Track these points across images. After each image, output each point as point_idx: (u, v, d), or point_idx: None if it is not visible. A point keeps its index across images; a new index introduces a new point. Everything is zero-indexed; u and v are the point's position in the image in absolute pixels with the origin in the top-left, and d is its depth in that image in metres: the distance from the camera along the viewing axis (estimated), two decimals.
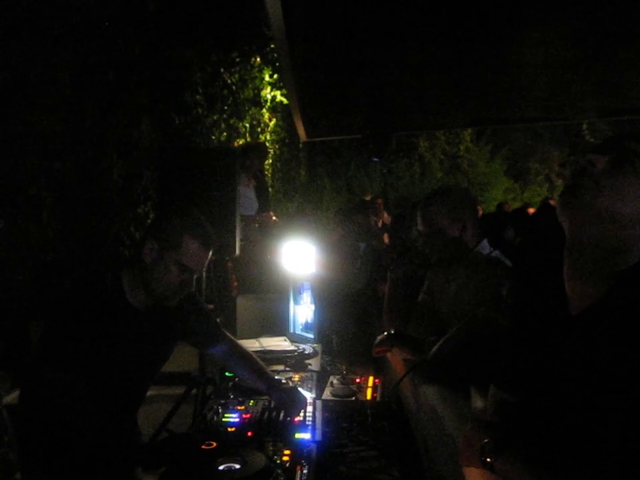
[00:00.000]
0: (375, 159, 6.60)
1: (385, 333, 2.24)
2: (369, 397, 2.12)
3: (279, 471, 1.46)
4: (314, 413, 1.88)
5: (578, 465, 0.99)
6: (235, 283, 4.71)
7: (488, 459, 1.12)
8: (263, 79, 6.64)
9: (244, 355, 2.15)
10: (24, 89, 3.50)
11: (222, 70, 6.13)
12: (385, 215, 6.60)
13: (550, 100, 5.67)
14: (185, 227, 1.77)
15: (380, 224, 5.73)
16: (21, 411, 1.79)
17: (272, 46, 6.45)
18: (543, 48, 4.32)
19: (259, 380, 2.04)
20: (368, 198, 6.74)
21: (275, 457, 1.54)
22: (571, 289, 1.08)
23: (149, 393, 2.65)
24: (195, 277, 1.84)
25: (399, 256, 2.58)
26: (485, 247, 2.17)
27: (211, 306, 4.04)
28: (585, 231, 1.04)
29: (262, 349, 2.66)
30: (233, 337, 2.22)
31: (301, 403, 1.89)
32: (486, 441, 1.14)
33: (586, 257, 1.05)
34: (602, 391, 0.95)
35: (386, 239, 4.61)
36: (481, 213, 6.60)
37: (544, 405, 1.12)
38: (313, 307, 2.98)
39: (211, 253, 1.84)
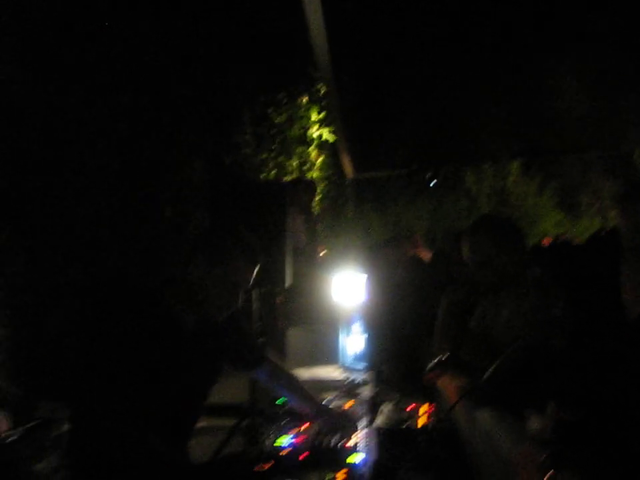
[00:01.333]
0: (431, 183, 6.58)
1: (437, 359, 2.22)
2: (421, 424, 2.10)
3: None
4: (367, 438, 1.88)
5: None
6: (286, 323, 4.74)
7: (549, 473, 1.11)
8: (310, 117, 6.79)
9: (290, 379, 2.16)
10: (87, 130, 3.70)
11: (269, 110, 6.30)
12: (425, 251, 6.51)
13: (599, 127, 5.60)
14: (232, 243, 1.79)
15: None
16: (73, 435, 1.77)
17: (319, 86, 6.61)
18: (590, 76, 4.30)
19: (306, 404, 2.06)
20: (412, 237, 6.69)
21: (330, 477, 1.54)
22: (629, 296, 1.08)
23: (199, 425, 2.68)
24: (242, 292, 1.84)
25: (451, 283, 2.57)
26: (535, 272, 2.15)
27: (262, 339, 4.09)
28: None
29: (313, 377, 2.67)
30: (276, 363, 2.22)
31: (351, 427, 1.91)
32: (545, 456, 1.13)
33: None
34: None
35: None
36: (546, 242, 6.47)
37: (606, 421, 1.11)
38: (363, 337, 2.99)
39: (256, 269, 1.85)
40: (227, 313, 1.85)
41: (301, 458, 1.73)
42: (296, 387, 2.13)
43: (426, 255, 4.64)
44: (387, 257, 4.06)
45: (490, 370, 1.90)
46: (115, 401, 1.62)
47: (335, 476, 1.57)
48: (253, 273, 1.84)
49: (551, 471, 1.11)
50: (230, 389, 2.48)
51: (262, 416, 2.36)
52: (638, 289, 1.07)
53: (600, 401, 1.13)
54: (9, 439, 2.48)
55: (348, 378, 2.68)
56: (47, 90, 3.45)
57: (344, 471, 1.60)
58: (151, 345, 1.71)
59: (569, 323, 1.69)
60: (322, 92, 6.58)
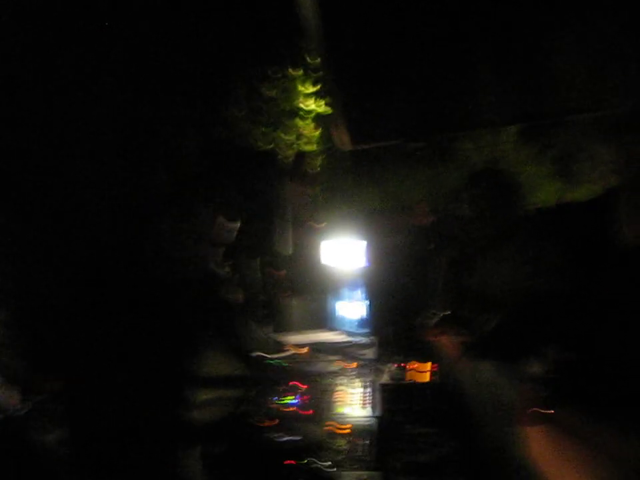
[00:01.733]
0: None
1: (438, 317, 2.24)
2: (426, 380, 2.13)
3: (340, 441, 1.49)
4: (372, 393, 1.91)
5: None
6: (288, 293, 4.76)
7: (548, 411, 1.13)
8: (305, 90, 6.75)
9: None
10: (77, 101, 3.66)
11: (264, 83, 6.25)
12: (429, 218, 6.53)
13: (594, 87, 5.55)
14: (202, 195, 1.79)
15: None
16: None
17: (313, 58, 6.54)
18: (586, 35, 4.26)
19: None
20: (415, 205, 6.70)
21: (335, 430, 1.57)
22: (631, 230, 1.09)
23: (206, 397, 2.70)
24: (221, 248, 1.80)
25: (448, 240, 2.59)
26: (535, 224, 2.16)
27: (265, 311, 4.12)
28: None
29: (316, 341, 2.70)
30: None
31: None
32: (544, 393, 1.15)
33: None
34: None
35: None
36: None
37: (604, 356, 1.13)
38: (366, 302, 3.01)
39: (234, 225, 1.82)
40: (198, 267, 1.79)
41: (307, 413, 1.76)
42: None
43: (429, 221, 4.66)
44: (387, 224, 4.07)
45: (490, 324, 1.93)
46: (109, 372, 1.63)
47: (339, 430, 1.59)
48: (233, 229, 1.78)
49: (550, 410, 1.13)
50: (231, 361, 2.49)
51: (264, 383, 2.39)
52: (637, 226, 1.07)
53: (600, 340, 1.15)
54: (20, 413, 2.52)
55: (351, 341, 2.71)
56: (33, 62, 3.43)
57: (348, 425, 1.62)
58: (135, 309, 1.69)
59: (569, 268, 1.70)
60: (316, 63, 6.53)
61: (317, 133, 7.39)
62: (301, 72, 6.71)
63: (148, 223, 1.73)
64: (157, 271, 1.72)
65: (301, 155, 5.62)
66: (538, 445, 1.21)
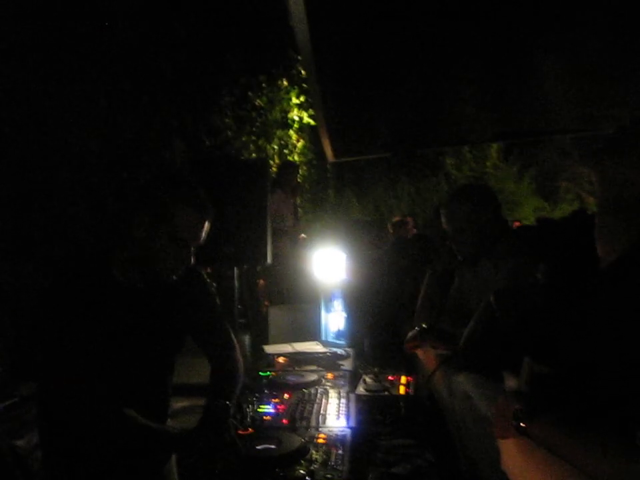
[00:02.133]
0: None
1: (417, 328, 2.26)
2: (402, 391, 2.13)
3: (314, 451, 1.48)
4: (347, 404, 1.90)
5: (612, 426, 1.00)
6: (267, 303, 4.76)
7: (522, 424, 1.13)
8: (290, 100, 6.78)
9: (229, 365, 1.88)
10: (62, 107, 3.65)
11: (250, 93, 6.28)
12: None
13: (576, 110, 5.66)
14: (176, 195, 1.63)
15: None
16: (38, 401, 1.70)
17: (299, 68, 6.60)
18: (568, 56, 4.34)
19: (209, 395, 1.77)
20: (397, 219, 6.77)
21: (310, 440, 1.56)
22: (601, 250, 1.11)
23: (181, 404, 2.67)
24: (193, 249, 1.68)
25: (435, 256, 2.61)
26: (513, 241, 2.18)
27: (243, 320, 4.11)
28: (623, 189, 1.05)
29: (295, 351, 2.70)
30: (236, 347, 1.94)
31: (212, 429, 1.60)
32: (519, 407, 1.15)
33: (619, 216, 1.07)
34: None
35: None
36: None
37: (579, 371, 1.14)
38: (344, 315, 3.01)
39: (207, 224, 1.69)
40: (180, 271, 1.70)
41: (283, 422, 1.75)
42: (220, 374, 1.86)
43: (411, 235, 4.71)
44: (368, 237, 4.10)
45: (465, 335, 1.94)
46: (79, 376, 1.56)
47: (314, 440, 1.58)
48: (204, 228, 1.69)
49: (523, 423, 1.14)
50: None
51: (244, 389, 2.37)
52: (611, 247, 1.10)
53: (573, 353, 1.16)
54: None
55: (328, 352, 2.71)
56: (23, 68, 3.40)
57: (322, 435, 1.62)
58: (103, 315, 1.61)
59: (546, 284, 1.73)
60: (302, 75, 6.57)
61: (301, 143, 7.44)
62: (287, 82, 6.75)
63: (124, 220, 1.67)
64: (131, 273, 1.69)
65: (284, 165, 5.65)
66: (513, 457, 1.22)
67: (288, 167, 5.43)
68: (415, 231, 6.64)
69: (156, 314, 1.75)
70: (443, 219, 2.25)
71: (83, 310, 1.59)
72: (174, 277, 1.69)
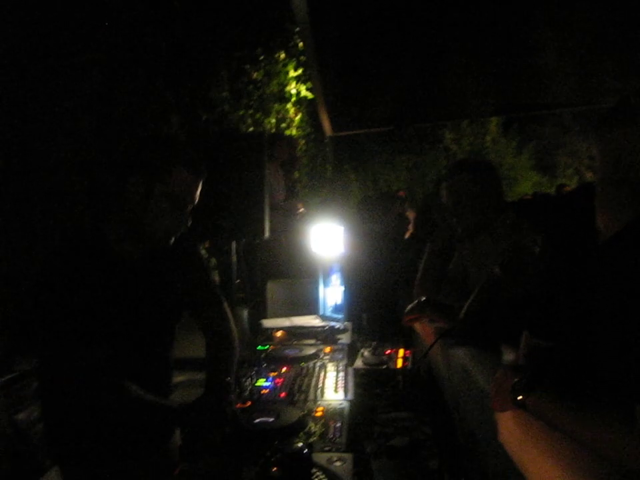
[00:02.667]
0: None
1: (416, 301, 2.25)
2: (399, 365, 2.14)
3: (312, 424, 1.49)
4: (346, 377, 1.90)
5: (611, 398, 0.99)
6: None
7: (519, 397, 1.13)
8: (288, 73, 6.70)
9: (225, 340, 1.87)
10: (57, 83, 3.60)
11: (247, 66, 6.20)
12: (410, 211, 6.59)
13: (576, 83, 5.60)
14: (172, 155, 1.62)
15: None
16: (39, 375, 1.70)
17: (297, 40, 6.50)
18: (568, 28, 4.28)
19: (208, 372, 1.78)
20: (401, 193, 6.73)
21: (308, 413, 1.57)
22: (602, 222, 1.09)
23: (180, 379, 2.67)
24: (189, 210, 1.68)
25: (436, 229, 2.60)
26: (511, 216, 2.17)
27: (241, 294, 4.10)
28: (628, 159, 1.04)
29: (292, 325, 2.70)
30: (231, 319, 1.95)
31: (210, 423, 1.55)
32: (517, 379, 1.15)
33: (623, 188, 1.05)
34: (632, 318, 0.96)
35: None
36: None
37: (578, 344, 1.14)
38: (342, 288, 3.01)
39: (200, 185, 1.69)
40: (176, 235, 1.69)
41: (281, 396, 1.76)
42: (218, 352, 1.84)
43: (410, 214, 4.70)
44: (367, 210, 4.08)
45: (464, 309, 1.94)
46: (80, 349, 1.55)
47: (312, 413, 1.59)
48: (198, 189, 1.68)
49: (521, 396, 1.14)
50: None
51: (243, 362, 2.37)
52: (615, 218, 1.08)
53: (572, 327, 1.16)
54: None
55: (326, 326, 2.71)
56: (15, 43, 3.35)
57: (320, 409, 1.62)
58: (102, 287, 1.60)
59: (544, 258, 1.72)
60: (300, 47, 6.49)
61: (298, 117, 7.37)
62: (284, 55, 6.66)
63: (118, 185, 1.65)
64: (126, 242, 1.67)
65: (272, 138, 5.57)
66: (510, 430, 1.22)
67: (277, 140, 5.35)
68: (409, 203, 6.60)
69: (152, 285, 1.74)
70: (443, 192, 2.23)
71: (81, 283, 1.57)
72: (171, 241, 1.68)
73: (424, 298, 2.21)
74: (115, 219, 1.67)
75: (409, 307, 2.24)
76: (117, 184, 1.68)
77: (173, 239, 1.69)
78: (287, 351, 2.25)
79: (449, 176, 2.23)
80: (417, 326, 2.35)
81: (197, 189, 1.68)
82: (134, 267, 1.70)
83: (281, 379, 1.92)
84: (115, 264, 1.66)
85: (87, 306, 1.57)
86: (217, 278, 4.40)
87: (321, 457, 1.26)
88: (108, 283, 1.63)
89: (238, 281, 3.61)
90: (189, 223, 1.70)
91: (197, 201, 1.70)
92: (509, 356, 1.47)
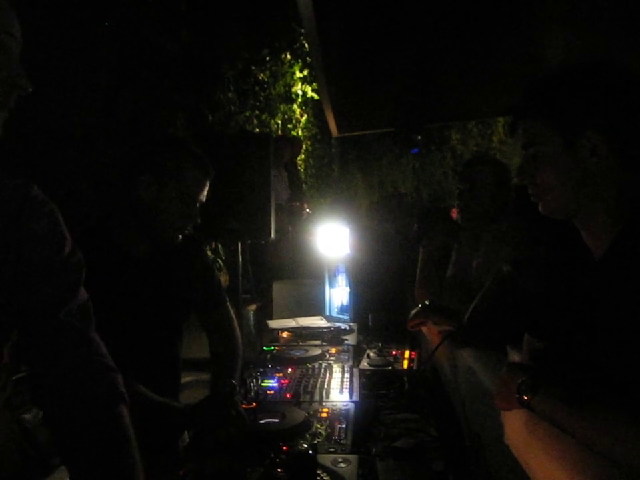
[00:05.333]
0: (413, 151, 6.55)
1: (420, 305, 2.25)
2: (405, 366, 2.13)
3: (318, 425, 1.49)
4: (351, 378, 1.91)
5: (614, 399, 0.99)
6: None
7: (525, 397, 1.13)
8: (294, 74, 6.71)
9: (229, 341, 1.92)
10: (64, 85, 3.62)
11: (253, 67, 6.21)
12: None
13: None
14: (183, 155, 1.67)
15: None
16: None
17: (302, 41, 6.51)
18: (577, 26, 4.26)
19: (213, 374, 1.84)
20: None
21: (314, 414, 1.57)
22: (587, 240, 1.11)
23: (185, 379, 2.67)
24: (197, 208, 1.72)
25: (428, 230, 2.61)
26: (512, 219, 2.20)
27: (247, 295, 4.11)
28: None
29: (298, 326, 2.70)
30: (234, 320, 1.99)
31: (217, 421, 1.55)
32: (522, 379, 1.15)
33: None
34: (630, 328, 0.96)
35: None
36: None
37: (576, 347, 1.13)
38: (348, 290, 3.01)
39: (208, 184, 1.74)
40: (184, 231, 1.73)
41: (287, 397, 1.76)
42: (226, 350, 1.90)
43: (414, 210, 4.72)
44: (373, 211, 4.09)
45: (470, 310, 1.93)
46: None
47: (317, 414, 1.59)
48: (206, 188, 1.72)
49: (526, 396, 1.13)
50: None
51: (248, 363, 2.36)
52: (592, 235, 1.10)
53: (579, 327, 1.15)
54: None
55: (332, 327, 2.71)
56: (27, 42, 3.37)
57: (326, 410, 1.62)
58: (109, 284, 1.59)
59: (541, 262, 1.71)
60: (306, 48, 6.49)
61: (304, 118, 7.37)
62: (290, 56, 6.67)
63: (127, 183, 1.68)
64: (134, 240, 1.70)
65: (288, 140, 5.60)
66: (516, 432, 1.22)
67: (278, 141, 5.36)
68: (415, 204, 6.60)
69: (161, 283, 1.77)
70: (460, 177, 2.30)
71: (89, 280, 1.57)
72: (179, 238, 1.72)
73: (427, 302, 2.22)
74: (123, 217, 1.70)
75: (413, 312, 2.24)
76: (125, 183, 1.70)
77: (180, 236, 1.72)
78: (292, 352, 2.25)
79: (468, 163, 2.38)
80: (423, 327, 2.34)
81: (205, 188, 1.72)
82: (142, 264, 1.72)
83: (287, 380, 1.92)
84: (124, 262, 1.68)
85: (95, 304, 1.57)
86: (224, 279, 4.41)
87: (326, 458, 1.26)
88: (116, 281, 1.64)
89: (243, 281, 3.61)
90: (197, 221, 1.73)
91: (204, 199, 1.74)
92: (514, 357, 1.46)
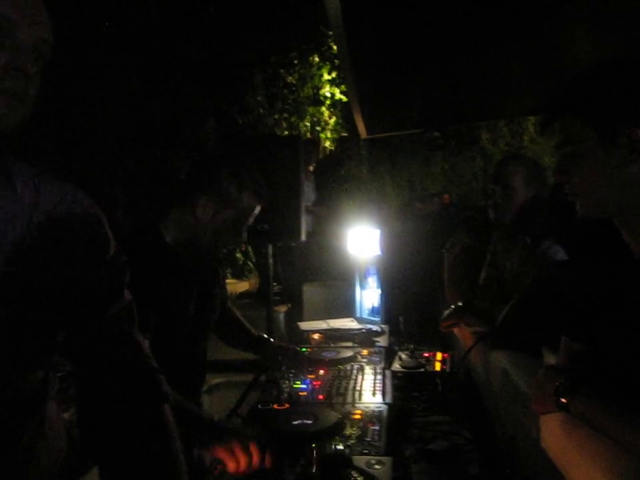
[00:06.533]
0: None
1: (453, 307, 2.23)
2: (437, 368, 2.12)
3: (350, 427, 1.49)
4: (383, 380, 1.90)
5: None
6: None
7: (563, 400, 1.11)
8: (322, 76, 6.72)
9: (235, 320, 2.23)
10: (100, 93, 3.69)
11: (282, 70, 6.25)
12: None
13: None
14: (244, 181, 1.73)
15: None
16: None
17: (331, 43, 6.52)
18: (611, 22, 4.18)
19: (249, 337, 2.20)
20: (446, 197, 6.67)
21: (346, 416, 1.57)
22: (627, 237, 1.09)
23: (216, 381, 2.70)
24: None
25: (453, 233, 2.59)
26: (546, 220, 2.16)
27: (278, 297, 4.13)
28: None
29: (329, 327, 2.70)
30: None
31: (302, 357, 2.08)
32: (560, 381, 1.13)
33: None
34: None
35: None
36: None
37: (616, 349, 1.11)
38: (379, 291, 3.00)
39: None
40: (227, 247, 1.84)
41: (319, 398, 1.76)
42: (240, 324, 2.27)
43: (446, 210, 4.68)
44: (403, 212, 4.07)
45: (503, 313, 1.91)
46: None
47: (350, 415, 1.59)
48: (258, 209, 1.79)
49: (564, 398, 1.11)
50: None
51: (278, 368, 2.36)
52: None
53: (617, 330, 1.13)
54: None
55: (364, 329, 2.70)
56: (63, 49, 3.44)
57: (358, 411, 1.62)
58: (160, 283, 1.64)
59: (577, 265, 1.69)
60: (334, 50, 6.50)
61: (333, 120, 7.38)
62: (318, 58, 6.68)
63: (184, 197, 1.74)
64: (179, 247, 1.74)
65: (317, 142, 5.62)
66: (553, 435, 1.20)
67: (306, 145, 5.38)
68: (447, 205, 6.52)
69: (201, 286, 1.85)
70: (493, 176, 2.26)
71: (139, 275, 1.60)
72: (222, 253, 1.78)
73: (460, 303, 2.19)
74: (174, 225, 1.76)
75: (446, 312, 2.23)
76: (182, 199, 1.75)
77: (225, 248, 1.80)
78: (324, 354, 2.26)
79: (502, 164, 2.34)
80: (455, 329, 2.32)
81: (257, 211, 1.79)
82: (186, 266, 1.78)
83: (319, 382, 1.92)
84: (172, 261, 1.73)
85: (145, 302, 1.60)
86: (254, 281, 4.41)
87: (360, 460, 1.26)
88: (166, 279, 1.68)
89: (274, 283, 3.63)
90: (245, 241, 1.85)
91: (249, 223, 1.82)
92: (549, 359, 1.44)
